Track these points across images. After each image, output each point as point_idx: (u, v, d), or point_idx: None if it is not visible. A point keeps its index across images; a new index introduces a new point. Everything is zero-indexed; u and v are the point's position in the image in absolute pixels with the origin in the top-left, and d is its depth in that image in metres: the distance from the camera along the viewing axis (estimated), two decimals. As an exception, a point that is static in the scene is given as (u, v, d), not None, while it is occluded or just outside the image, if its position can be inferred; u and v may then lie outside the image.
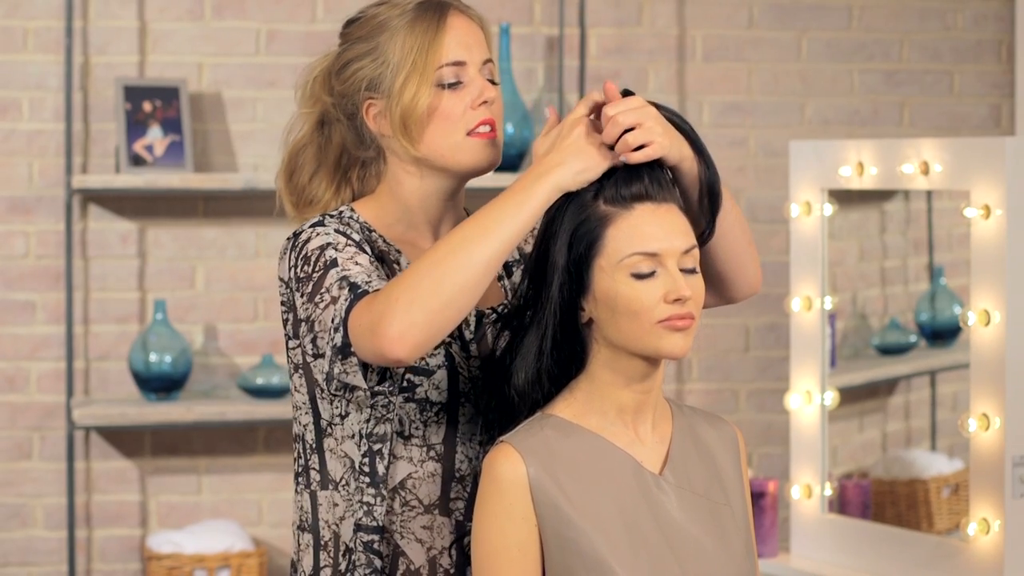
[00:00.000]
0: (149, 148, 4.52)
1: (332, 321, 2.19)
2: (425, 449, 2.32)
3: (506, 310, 2.37)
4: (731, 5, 4.92)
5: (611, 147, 2.21)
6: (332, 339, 2.19)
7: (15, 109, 4.57)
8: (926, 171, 3.51)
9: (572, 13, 4.80)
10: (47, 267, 4.59)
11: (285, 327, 2.35)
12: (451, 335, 2.33)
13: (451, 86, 2.33)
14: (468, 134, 2.34)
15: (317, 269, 2.25)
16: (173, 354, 4.50)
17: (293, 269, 2.30)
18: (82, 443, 4.62)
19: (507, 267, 2.46)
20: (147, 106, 4.53)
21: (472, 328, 2.36)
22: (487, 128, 2.34)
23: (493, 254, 2.15)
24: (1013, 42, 5.10)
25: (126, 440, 4.65)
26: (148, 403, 4.52)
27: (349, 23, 2.41)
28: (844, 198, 4.03)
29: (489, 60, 2.38)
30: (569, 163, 2.20)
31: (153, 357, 4.49)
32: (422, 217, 2.39)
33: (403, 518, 2.32)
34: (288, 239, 2.33)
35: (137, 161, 4.50)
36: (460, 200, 2.43)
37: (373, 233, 2.37)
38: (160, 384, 4.50)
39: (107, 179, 4.46)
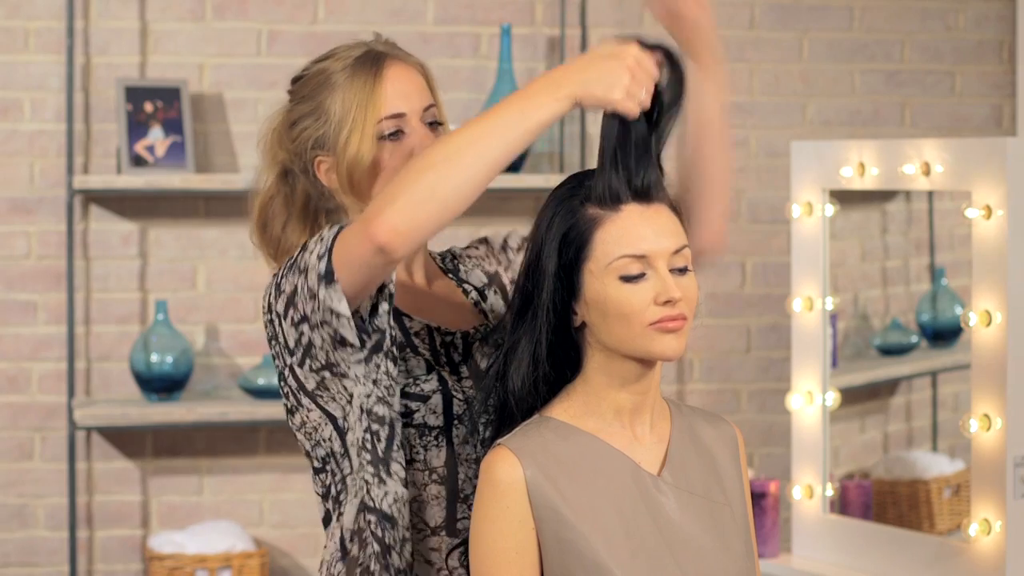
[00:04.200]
0: (150, 149, 4.52)
1: (318, 257, 2.20)
2: (427, 473, 2.32)
3: (488, 329, 2.39)
4: (732, 5, 4.92)
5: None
6: (318, 269, 2.19)
7: (16, 109, 4.58)
8: (927, 172, 3.51)
9: (573, 13, 4.80)
10: (48, 267, 4.59)
11: (276, 360, 2.34)
12: (440, 361, 2.35)
13: (392, 137, 2.35)
14: None
15: (296, 256, 2.27)
16: (174, 354, 4.50)
17: (273, 281, 2.32)
18: (83, 443, 4.62)
19: (481, 292, 2.48)
20: (148, 107, 4.53)
21: (460, 351, 2.38)
22: None
23: (490, 163, 2.12)
24: (1014, 42, 5.10)
25: (127, 440, 4.65)
26: (149, 403, 4.52)
27: (295, 80, 2.44)
28: (845, 198, 4.03)
29: (432, 105, 2.39)
30: (592, 72, 2.13)
31: (154, 357, 4.49)
32: (399, 269, 2.39)
33: (411, 540, 2.31)
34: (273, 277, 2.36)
35: (138, 162, 4.50)
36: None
37: None
38: (161, 384, 4.51)
39: (108, 180, 4.46)
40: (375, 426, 2.26)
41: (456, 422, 2.33)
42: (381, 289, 2.24)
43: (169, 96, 4.55)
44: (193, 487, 4.68)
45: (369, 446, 2.27)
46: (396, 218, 2.10)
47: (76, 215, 4.58)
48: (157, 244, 4.65)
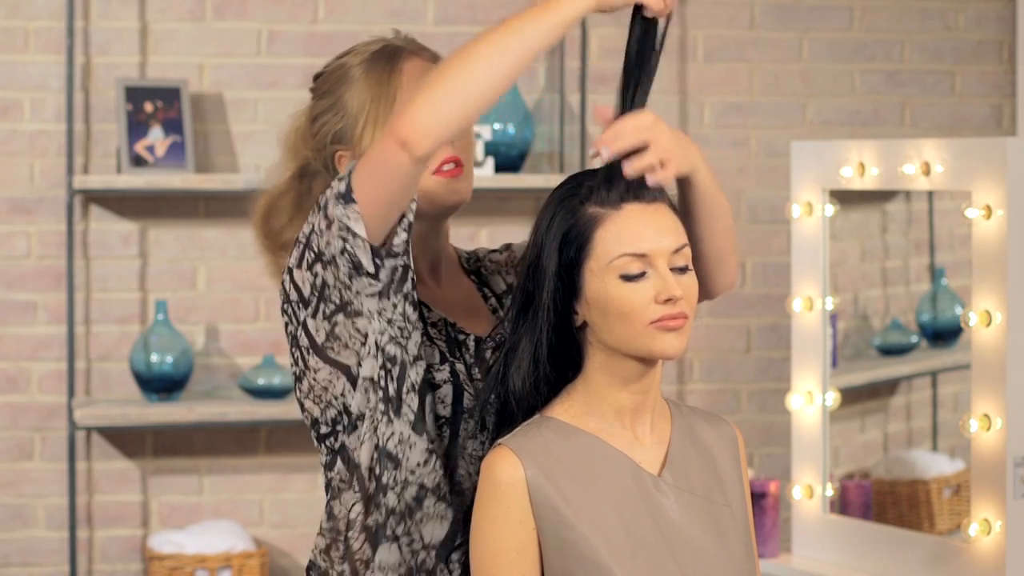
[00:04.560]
0: (150, 149, 4.52)
1: (339, 180, 2.22)
2: None
3: (502, 338, 2.39)
4: (732, 5, 4.92)
5: (618, 161, 2.19)
6: (337, 189, 2.21)
7: (16, 109, 4.58)
8: (927, 171, 3.51)
9: (573, 13, 4.79)
10: (48, 267, 4.59)
11: (288, 326, 2.34)
12: (454, 355, 2.35)
13: None
14: (433, 173, 2.35)
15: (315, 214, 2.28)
16: (174, 354, 4.50)
17: (296, 241, 2.31)
18: (83, 443, 4.62)
19: (500, 299, 2.48)
20: (148, 107, 4.53)
21: (472, 352, 2.38)
22: (451, 166, 2.36)
23: (511, 62, 2.15)
24: (1014, 42, 5.10)
25: (127, 440, 4.65)
26: (149, 403, 4.52)
27: (316, 77, 2.45)
28: (845, 198, 4.03)
29: None
30: None
31: (154, 357, 4.49)
32: (418, 261, 2.40)
33: (416, 486, 2.31)
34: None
35: (138, 162, 4.50)
36: (446, 232, 2.46)
37: None
38: (161, 384, 4.51)
39: (108, 179, 4.46)
40: (388, 364, 2.27)
41: (466, 415, 2.33)
42: (398, 222, 2.24)
43: (169, 96, 4.55)
44: (193, 487, 4.68)
45: (382, 383, 2.27)
46: (417, 114, 2.13)
47: (76, 215, 4.58)
48: (157, 244, 4.65)
